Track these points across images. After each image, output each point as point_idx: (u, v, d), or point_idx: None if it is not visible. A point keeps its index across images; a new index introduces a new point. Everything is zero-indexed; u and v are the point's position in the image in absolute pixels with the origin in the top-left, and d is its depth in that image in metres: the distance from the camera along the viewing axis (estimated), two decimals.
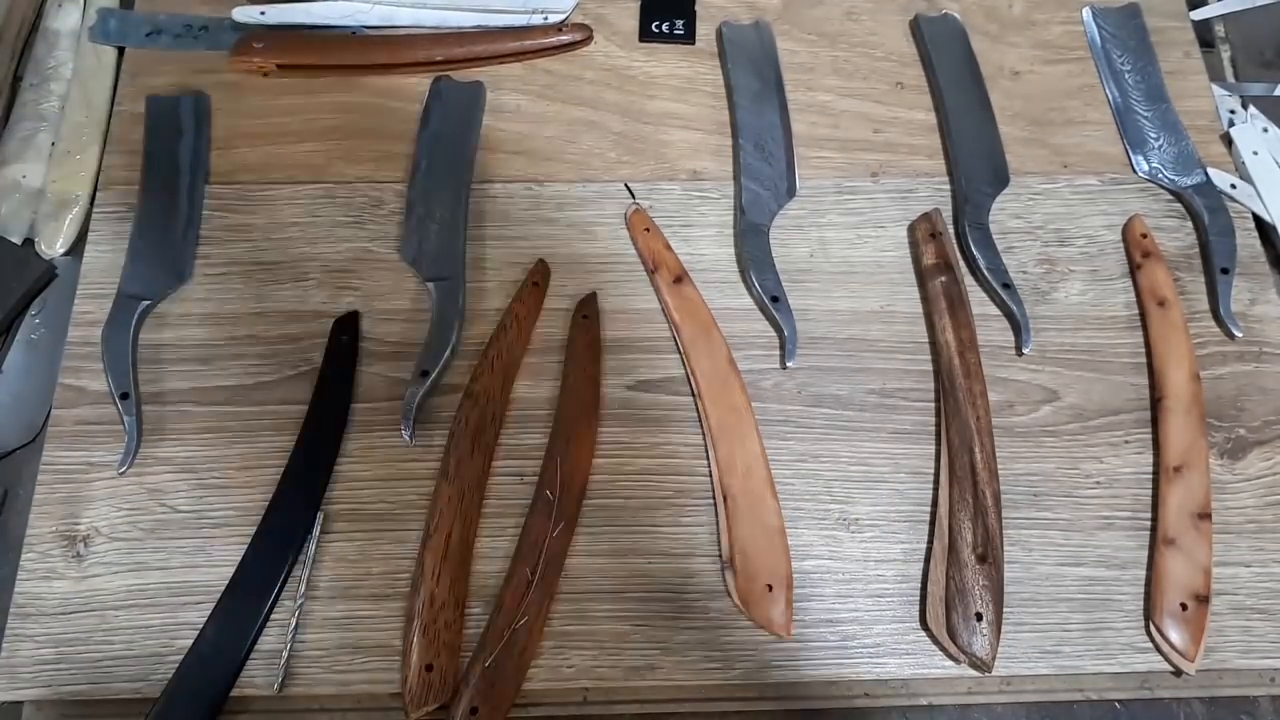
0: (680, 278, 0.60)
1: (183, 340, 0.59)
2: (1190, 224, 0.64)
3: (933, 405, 0.57)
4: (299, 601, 0.51)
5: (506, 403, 0.56)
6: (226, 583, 0.51)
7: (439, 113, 0.66)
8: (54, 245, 0.63)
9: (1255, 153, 0.66)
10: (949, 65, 0.69)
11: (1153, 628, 0.51)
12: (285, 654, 0.50)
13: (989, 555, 0.51)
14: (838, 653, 0.51)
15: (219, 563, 0.52)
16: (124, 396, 0.55)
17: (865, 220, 0.64)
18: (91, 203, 0.64)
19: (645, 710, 0.51)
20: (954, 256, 0.61)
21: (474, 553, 0.52)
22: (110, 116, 0.67)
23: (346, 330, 0.58)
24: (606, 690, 0.50)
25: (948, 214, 0.63)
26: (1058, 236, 0.63)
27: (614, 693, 0.50)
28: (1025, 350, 0.59)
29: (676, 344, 0.58)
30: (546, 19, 0.69)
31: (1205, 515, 0.53)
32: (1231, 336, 0.59)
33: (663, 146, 0.66)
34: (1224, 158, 0.66)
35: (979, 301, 0.60)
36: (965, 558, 0.51)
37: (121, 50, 0.70)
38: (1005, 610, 0.51)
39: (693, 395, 0.57)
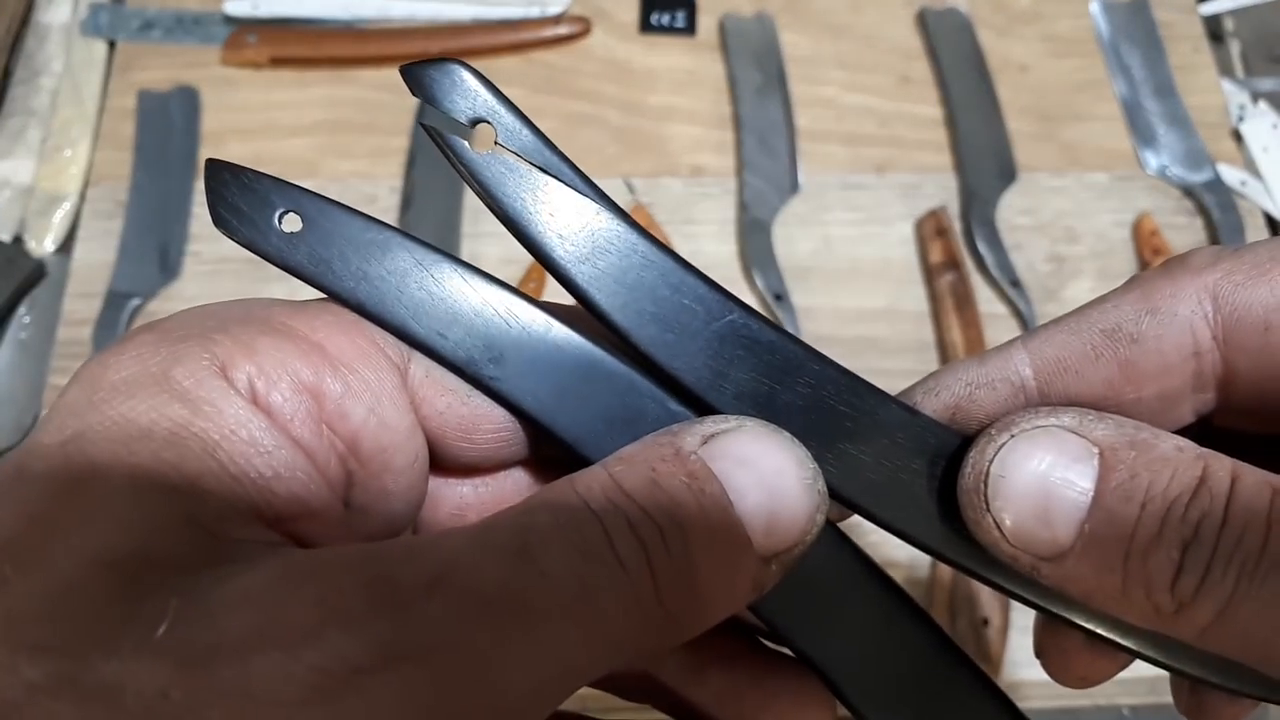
0: None
1: None
2: (1201, 221, 0.63)
3: None
4: None
5: None
6: None
7: None
8: (43, 243, 0.62)
9: (1265, 149, 0.65)
10: (955, 59, 0.68)
11: None
12: None
13: None
14: None
15: None
16: None
17: (870, 217, 0.62)
18: (82, 199, 0.63)
19: (646, 715, 0.50)
20: (961, 254, 0.60)
21: None
22: (101, 112, 0.66)
23: None
24: (606, 694, 0.49)
25: (954, 210, 0.62)
26: (1066, 234, 0.62)
27: (613, 699, 0.49)
28: None
29: None
30: (544, 11, 0.68)
31: None
32: None
33: (663, 141, 0.65)
34: (1234, 154, 0.65)
35: (986, 299, 0.59)
36: None
37: (113, 44, 0.69)
38: (1011, 615, 0.50)
39: None
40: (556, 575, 0.15)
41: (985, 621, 0.49)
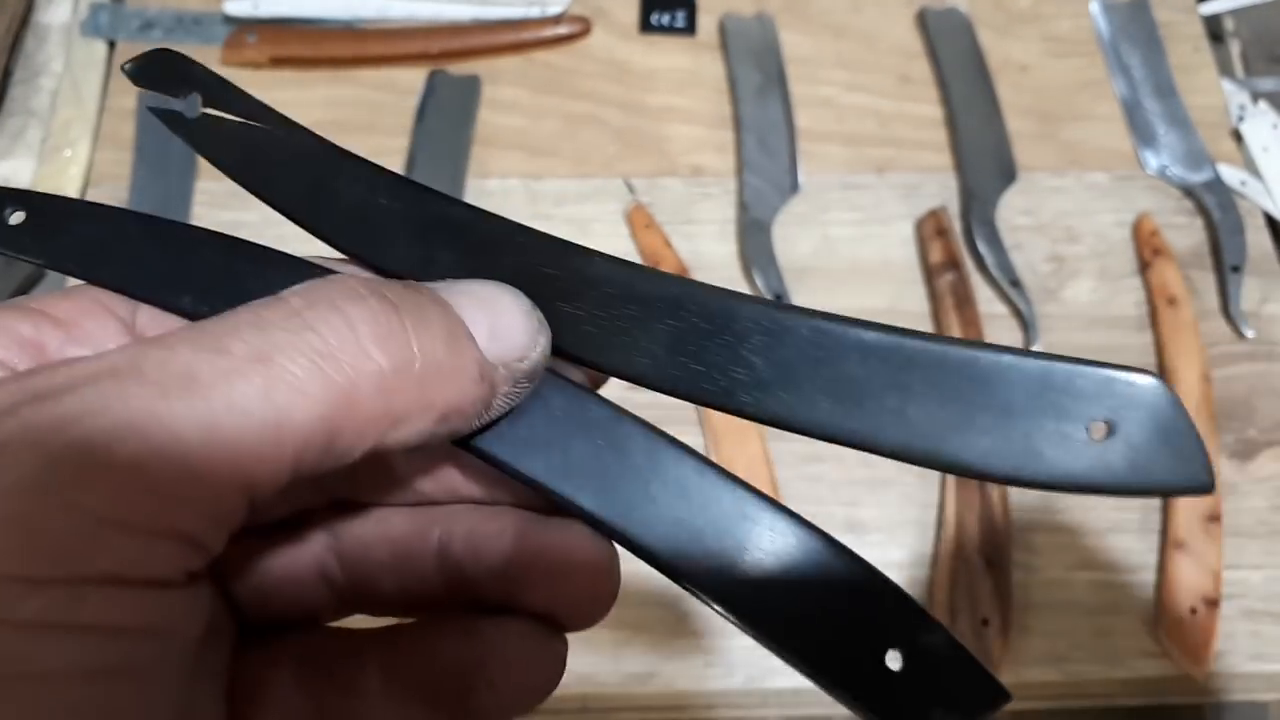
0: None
1: None
2: (1201, 221, 0.63)
3: None
4: None
5: None
6: None
7: (434, 107, 0.65)
8: None
9: (1265, 149, 0.65)
10: (955, 59, 0.68)
11: (1162, 632, 0.50)
12: None
13: (996, 559, 0.50)
14: None
15: None
16: None
17: (870, 217, 0.62)
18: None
19: (646, 718, 0.50)
20: (961, 254, 0.60)
21: None
22: (101, 112, 0.66)
23: None
24: (606, 698, 0.49)
25: (954, 210, 0.62)
26: (1066, 234, 0.62)
27: (613, 699, 0.50)
28: (1034, 349, 0.58)
29: None
30: (544, 11, 0.68)
31: (1215, 518, 0.52)
32: (1242, 336, 0.58)
33: (663, 141, 0.65)
34: (1234, 154, 0.65)
35: (986, 299, 0.59)
36: (973, 562, 0.50)
37: (113, 44, 0.69)
38: (1012, 615, 0.50)
39: None
40: (233, 349, 0.16)
41: (985, 621, 0.49)
